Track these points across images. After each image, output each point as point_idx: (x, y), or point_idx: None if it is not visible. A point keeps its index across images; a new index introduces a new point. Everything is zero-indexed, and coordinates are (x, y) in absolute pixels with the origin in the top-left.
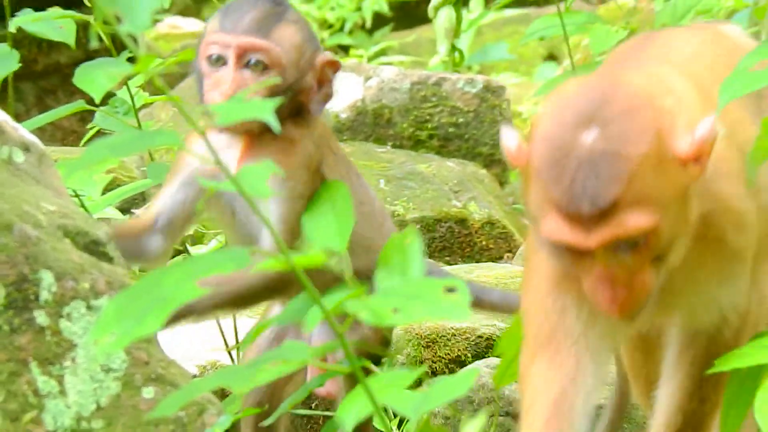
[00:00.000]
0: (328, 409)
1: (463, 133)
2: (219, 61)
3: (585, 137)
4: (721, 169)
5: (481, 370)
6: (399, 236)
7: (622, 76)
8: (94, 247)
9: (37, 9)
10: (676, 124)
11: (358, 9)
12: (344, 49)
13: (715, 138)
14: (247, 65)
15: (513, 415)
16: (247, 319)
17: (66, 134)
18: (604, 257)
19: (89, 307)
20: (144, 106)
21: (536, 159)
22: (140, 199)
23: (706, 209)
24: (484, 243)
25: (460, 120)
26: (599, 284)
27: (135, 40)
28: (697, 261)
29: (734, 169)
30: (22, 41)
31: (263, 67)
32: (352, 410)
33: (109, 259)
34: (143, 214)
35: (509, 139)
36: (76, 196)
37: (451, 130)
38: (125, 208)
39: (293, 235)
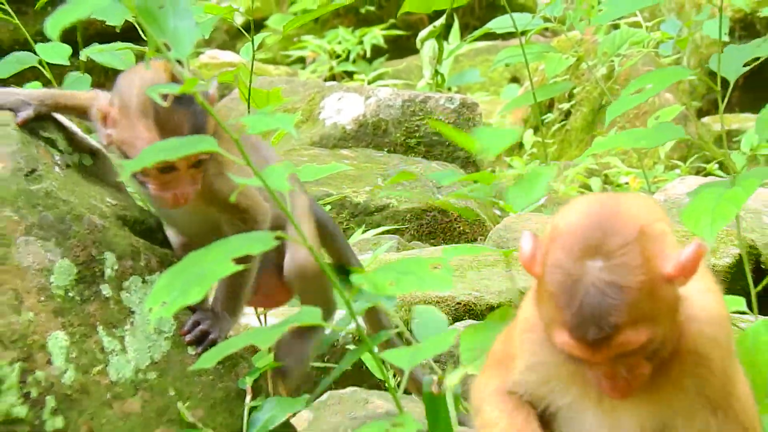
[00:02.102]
0: (337, 362)
1: (444, 140)
2: None
3: (591, 268)
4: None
5: (460, 330)
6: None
7: (620, 203)
8: (148, 234)
9: (102, 42)
10: (664, 248)
11: (360, 42)
12: (349, 74)
13: (700, 258)
14: None
15: None
16: None
17: None
18: (607, 363)
19: (144, 282)
20: None
21: (549, 282)
22: None
23: (685, 317)
24: (461, 228)
25: None
26: (603, 379)
27: (181, 64)
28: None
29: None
30: (93, 69)
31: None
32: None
33: (160, 243)
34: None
35: (525, 244)
36: (137, 193)
37: (434, 138)
38: None
39: None
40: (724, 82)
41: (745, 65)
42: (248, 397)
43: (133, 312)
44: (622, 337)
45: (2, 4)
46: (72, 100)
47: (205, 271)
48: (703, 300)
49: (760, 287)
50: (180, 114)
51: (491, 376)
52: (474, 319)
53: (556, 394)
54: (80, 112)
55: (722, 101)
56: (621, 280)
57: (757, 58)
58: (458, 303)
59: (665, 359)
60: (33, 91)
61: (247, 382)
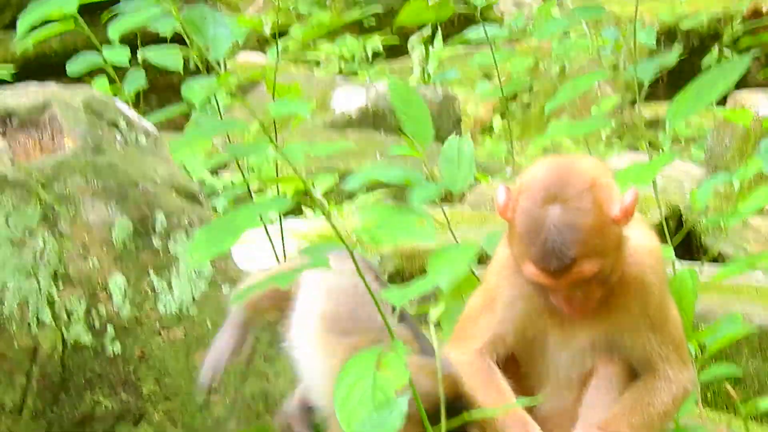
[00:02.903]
0: None
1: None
2: None
3: (552, 212)
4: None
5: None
6: (456, 140)
7: (575, 162)
8: (190, 197)
9: (157, 44)
10: (611, 195)
11: (363, 47)
12: (354, 73)
13: (636, 201)
14: None
15: None
16: (292, 242)
17: (177, 127)
18: (566, 288)
19: (187, 235)
20: (225, 107)
21: (518, 225)
22: (223, 166)
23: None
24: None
25: None
26: (563, 301)
27: (218, 64)
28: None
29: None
30: (150, 68)
31: None
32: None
33: (200, 204)
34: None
35: (500, 196)
36: (183, 165)
37: None
38: (213, 172)
39: None
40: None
41: (656, 72)
42: None
43: (178, 259)
44: (577, 267)
45: (76, 17)
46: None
47: (236, 225)
48: (643, 239)
49: (678, 239)
50: None
51: (464, 338)
52: None
53: (533, 323)
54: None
55: (640, 97)
56: (576, 221)
57: (665, 66)
58: None
59: (613, 286)
60: None
61: None
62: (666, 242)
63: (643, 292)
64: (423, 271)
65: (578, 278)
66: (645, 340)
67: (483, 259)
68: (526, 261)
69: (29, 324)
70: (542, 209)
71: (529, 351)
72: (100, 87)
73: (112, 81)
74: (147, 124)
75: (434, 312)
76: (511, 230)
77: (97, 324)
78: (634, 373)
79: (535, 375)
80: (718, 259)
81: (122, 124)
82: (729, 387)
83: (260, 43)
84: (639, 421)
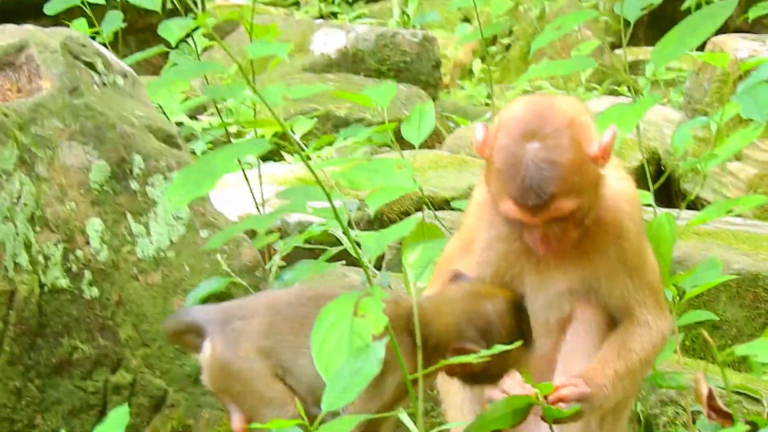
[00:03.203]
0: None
1: (409, 67)
2: None
3: (530, 149)
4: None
5: (421, 218)
6: (419, 107)
7: (554, 100)
8: (168, 139)
9: None
10: (589, 134)
11: None
12: (334, 15)
13: (614, 140)
14: None
15: None
16: (270, 186)
17: (156, 69)
18: (543, 225)
19: (165, 178)
20: (204, 49)
21: (496, 162)
22: (202, 110)
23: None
24: None
25: (407, 59)
26: (539, 241)
27: (196, 4)
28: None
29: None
30: (128, 8)
31: None
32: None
33: (179, 147)
34: None
35: (478, 133)
36: (160, 107)
37: (401, 65)
38: (191, 116)
39: None
40: (629, 22)
41: (642, 9)
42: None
43: (156, 202)
44: (556, 203)
45: None
46: None
47: (214, 168)
48: (620, 184)
49: (658, 184)
50: None
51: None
52: (434, 209)
53: (510, 265)
54: None
55: (625, 36)
56: (555, 157)
57: (651, 4)
58: (420, 197)
59: (589, 228)
60: None
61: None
62: (647, 188)
63: (619, 237)
64: (403, 215)
65: (556, 215)
66: (622, 285)
67: (442, 205)
68: (504, 198)
69: (6, 267)
70: (520, 146)
71: None
72: (77, 28)
73: (91, 24)
74: (125, 65)
75: (411, 256)
76: (488, 168)
77: (74, 268)
78: (612, 320)
79: None
80: (696, 204)
81: (100, 65)
82: (705, 333)
83: None
84: (622, 369)
